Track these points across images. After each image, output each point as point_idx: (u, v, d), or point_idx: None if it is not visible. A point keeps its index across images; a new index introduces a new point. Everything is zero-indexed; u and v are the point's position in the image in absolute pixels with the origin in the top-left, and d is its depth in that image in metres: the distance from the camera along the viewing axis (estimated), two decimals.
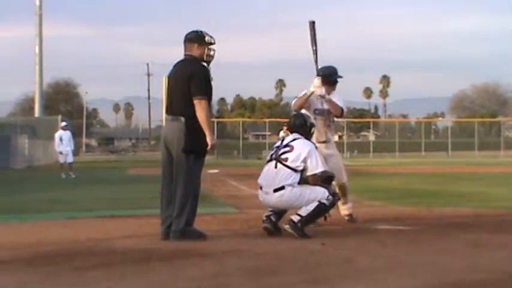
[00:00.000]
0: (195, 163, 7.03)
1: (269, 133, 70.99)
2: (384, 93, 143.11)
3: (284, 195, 7.19)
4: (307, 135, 7.66)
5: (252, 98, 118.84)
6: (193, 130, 6.93)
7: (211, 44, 7.23)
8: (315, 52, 8.40)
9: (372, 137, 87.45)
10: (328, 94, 8.40)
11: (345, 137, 67.00)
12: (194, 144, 6.95)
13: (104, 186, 18.17)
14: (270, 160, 7.45)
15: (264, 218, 7.41)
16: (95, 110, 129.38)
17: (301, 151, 7.31)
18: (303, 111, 8.37)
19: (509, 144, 67.38)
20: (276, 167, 7.31)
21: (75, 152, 29.41)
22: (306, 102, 8.35)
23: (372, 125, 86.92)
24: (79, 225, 8.71)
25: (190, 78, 7.00)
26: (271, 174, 7.32)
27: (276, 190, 7.21)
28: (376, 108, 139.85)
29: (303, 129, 7.67)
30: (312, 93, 8.32)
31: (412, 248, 6.65)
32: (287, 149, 7.38)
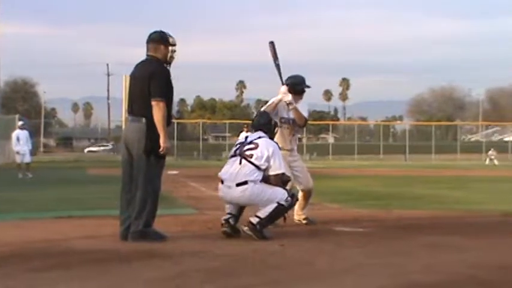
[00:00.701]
0: (155, 164, 7.01)
1: (229, 134, 71.08)
2: (343, 96, 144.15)
3: (247, 190, 7.21)
4: (271, 135, 7.72)
5: (212, 99, 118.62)
6: (154, 131, 6.90)
7: (174, 45, 7.23)
8: (278, 66, 8.54)
9: (331, 139, 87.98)
10: (296, 103, 8.48)
11: (304, 139, 67.28)
12: (155, 145, 6.92)
13: (62, 187, 17.97)
14: (234, 155, 7.47)
15: (223, 222, 7.42)
16: (53, 109, 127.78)
17: (266, 150, 7.35)
18: None
19: (466, 147, 68.40)
20: (240, 162, 7.33)
21: (33, 152, 29.05)
22: (274, 110, 8.43)
23: (331, 128, 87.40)
24: (36, 225, 8.61)
25: (151, 78, 6.97)
26: (235, 169, 7.32)
27: (238, 185, 7.24)
28: (335, 110, 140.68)
29: (268, 127, 7.72)
30: (280, 100, 8.40)
31: (370, 250, 6.72)
32: (252, 146, 7.41)
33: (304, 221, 8.68)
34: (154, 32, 7.26)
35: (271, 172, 7.33)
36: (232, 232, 7.34)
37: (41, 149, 76.11)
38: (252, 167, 7.28)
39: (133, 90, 7.17)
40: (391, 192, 15.99)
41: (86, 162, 45.02)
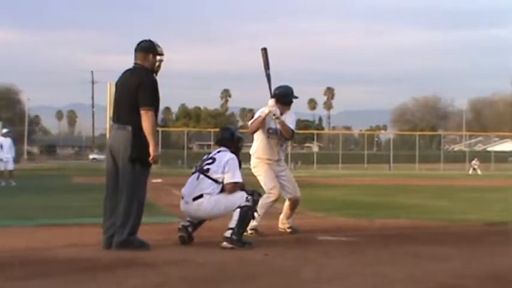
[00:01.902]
0: (141, 172, 7.00)
1: (213, 143, 71.04)
2: (328, 105, 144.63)
3: (202, 203, 7.29)
4: (236, 150, 7.74)
5: (197, 108, 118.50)
6: (140, 139, 6.89)
7: (162, 54, 7.23)
8: (269, 76, 8.49)
9: (315, 148, 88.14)
10: (283, 113, 8.47)
11: (289, 148, 67.34)
12: (141, 153, 6.91)
13: (46, 194, 17.86)
14: (195, 172, 7.53)
15: (181, 227, 7.48)
16: (37, 117, 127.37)
17: (222, 162, 7.42)
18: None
19: (449, 157, 68.78)
20: (198, 178, 7.41)
21: (16, 159, 28.88)
22: (261, 124, 8.43)
23: (315, 137, 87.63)
24: (19, 233, 8.55)
25: (139, 87, 6.95)
26: (193, 184, 7.43)
27: (195, 199, 7.29)
28: (320, 119, 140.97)
29: (230, 142, 7.76)
30: (267, 114, 8.38)
31: (355, 259, 6.71)
32: (210, 161, 7.52)
33: (288, 230, 8.68)
34: (144, 41, 7.25)
35: (225, 181, 7.38)
36: (188, 239, 7.41)
37: (25, 156, 75.75)
38: (209, 181, 7.36)
39: (119, 98, 7.15)
40: (375, 202, 16.03)
41: (69, 170, 44.77)
